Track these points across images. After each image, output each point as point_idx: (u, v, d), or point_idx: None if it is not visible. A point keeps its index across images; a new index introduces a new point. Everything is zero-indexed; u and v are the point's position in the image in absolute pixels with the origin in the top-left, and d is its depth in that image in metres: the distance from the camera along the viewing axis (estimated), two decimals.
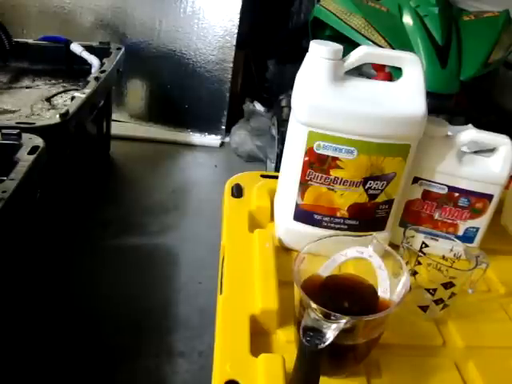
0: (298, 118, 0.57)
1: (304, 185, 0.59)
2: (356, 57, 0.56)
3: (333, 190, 0.59)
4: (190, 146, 2.15)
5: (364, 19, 1.49)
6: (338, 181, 0.58)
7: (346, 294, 0.48)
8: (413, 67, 0.56)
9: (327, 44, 0.56)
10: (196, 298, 1.30)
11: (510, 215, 0.74)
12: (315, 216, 0.61)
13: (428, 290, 0.53)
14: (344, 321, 0.39)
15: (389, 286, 0.47)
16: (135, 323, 1.21)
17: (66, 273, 1.34)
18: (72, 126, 1.24)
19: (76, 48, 1.76)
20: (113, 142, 1.98)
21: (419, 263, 0.54)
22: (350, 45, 1.22)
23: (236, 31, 2.03)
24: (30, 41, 1.82)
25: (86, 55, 1.73)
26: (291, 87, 0.60)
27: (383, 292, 0.47)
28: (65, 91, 1.66)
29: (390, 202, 0.61)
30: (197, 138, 2.19)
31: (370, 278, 0.48)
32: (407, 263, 0.52)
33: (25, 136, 1.00)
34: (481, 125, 0.78)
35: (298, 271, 0.45)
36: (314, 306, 0.39)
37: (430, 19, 1.45)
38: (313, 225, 0.61)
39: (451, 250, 0.57)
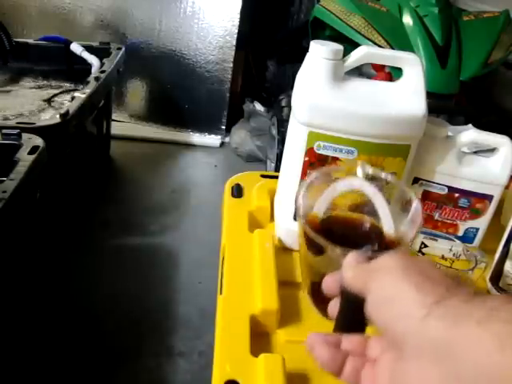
0: (298, 118, 0.57)
1: None
2: (356, 57, 0.56)
3: None
4: (190, 145, 2.15)
5: (364, 19, 1.49)
6: None
7: (351, 235, 0.46)
8: (413, 67, 0.56)
9: (327, 44, 0.55)
10: (196, 298, 1.30)
11: (510, 215, 0.74)
12: None
13: None
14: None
15: (391, 219, 0.45)
16: (135, 323, 1.21)
17: (66, 273, 1.34)
18: (72, 126, 1.23)
19: (76, 48, 1.76)
20: (113, 142, 1.98)
21: None
22: (350, 45, 1.23)
23: (236, 31, 2.03)
24: (30, 41, 1.82)
25: (86, 55, 1.73)
26: (291, 87, 0.60)
27: (389, 229, 0.45)
28: (65, 91, 1.67)
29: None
30: (197, 137, 2.19)
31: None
32: None
33: (25, 136, 1.00)
34: (481, 125, 0.78)
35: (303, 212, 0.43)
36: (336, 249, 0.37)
37: (430, 19, 1.45)
38: None
39: (450, 250, 0.57)
